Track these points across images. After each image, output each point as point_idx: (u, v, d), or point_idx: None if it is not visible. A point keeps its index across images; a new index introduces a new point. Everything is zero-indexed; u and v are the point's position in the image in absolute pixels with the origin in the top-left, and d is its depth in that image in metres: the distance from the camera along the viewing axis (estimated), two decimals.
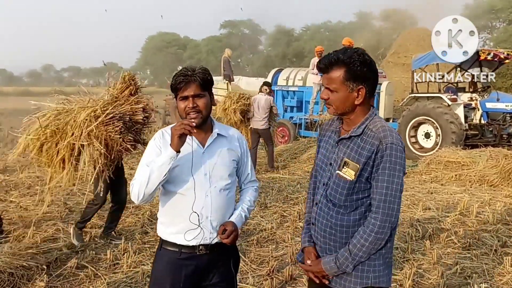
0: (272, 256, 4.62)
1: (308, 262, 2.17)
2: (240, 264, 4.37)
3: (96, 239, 5.16)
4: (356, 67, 2.00)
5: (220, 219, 2.28)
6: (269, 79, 14.74)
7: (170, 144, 2.14)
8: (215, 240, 2.26)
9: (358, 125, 2.07)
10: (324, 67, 2.06)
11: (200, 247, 2.24)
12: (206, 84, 2.25)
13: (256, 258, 4.63)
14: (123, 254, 4.63)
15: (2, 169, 9.15)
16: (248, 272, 4.27)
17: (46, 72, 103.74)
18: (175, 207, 2.27)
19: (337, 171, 2.07)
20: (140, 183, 2.17)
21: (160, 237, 2.34)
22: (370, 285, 2.04)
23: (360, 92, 2.04)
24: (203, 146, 2.28)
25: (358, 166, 2.00)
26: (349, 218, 2.07)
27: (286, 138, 12.61)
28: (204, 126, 2.28)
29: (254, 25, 58.15)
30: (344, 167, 2.05)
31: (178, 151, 2.13)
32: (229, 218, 2.32)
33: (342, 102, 2.05)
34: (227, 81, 15.10)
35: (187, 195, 2.22)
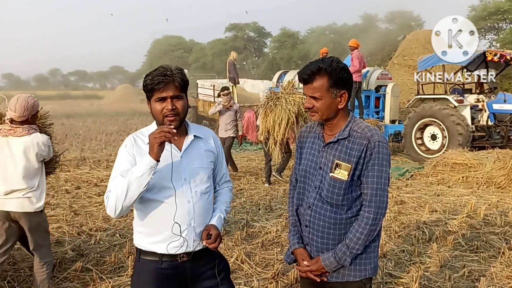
0: (277, 259, 4.59)
1: (305, 263, 2.24)
2: (245, 267, 4.36)
3: (101, 242, 5.16)
4: (338, 74, 2.12)
5: (202, 225, 2.20)
6: (274, 81, 14.75)
7: (149, 153, 1.99)
8: (199, 247, 2.18)
9: (343, 128, 2.19)
10: (307, 77, 2.14)
11: (182, 254, 2.15)
12: (184, 86, 2.14)
13: (261, 261, 4.61)
14: (128, 257, 4.62)
15: None
16: (253, 275, 4.24)
17: (53, 76, 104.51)
18: (156, 215, 2.13)
19: (331, 174, 2.16)
20: (117, 196, 2.01)
21: (137, 248, 2.21)
22: (368, 276, 2.21)
23: (343, 97, 2.17)
24: (180, 150, 2.17)
25: (350, 166, 2.12)
26: (347, 216, 2.18)
27: (292, 140, 12.57)
28: (180, 129, 2.15)
29: (259, 28, 58.10)
30: (337, 168, 2.15)
31: (158, 160, 2.00)
32: (209, 221, 2.24)
33: (327, 108, 2.16)
34: (232, 84, 15.15)
35: (168, 203, 2.11)
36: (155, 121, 2.20)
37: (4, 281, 4.10)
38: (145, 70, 79.98)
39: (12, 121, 3.52)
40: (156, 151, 1.98)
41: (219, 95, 8.87)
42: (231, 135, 8.99)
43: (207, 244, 2.15)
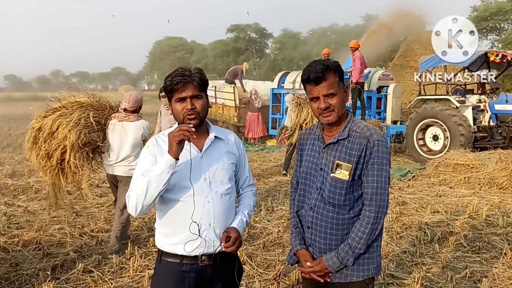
0: (278, 260, 4.59)
1: (308, 264, 2.24)
2: (247, 268, 4.36)
3: (102, 243, 5.16)
4: (340, 69, 2.20)
5: (223, 226, 2.19)
6: (275, 82, 14.74)
7: (169, 151, 2.01)
8: (219, 249, 2.16)
9: (342, 129, 2.20)
10: (320, 76, 2.12)
11: (203, 257, 2.14)
12: (204, 85, 2.18)
13: (263, 262, 4.60)
14: (129, 258, 4.62)
15: (11, 174, 9.21)
16: (254, 276, 4.24)
17: (55, 78, 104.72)
18: (176, 215, 2.15)
19: (332, 174, 2.17)
20: (138, 195, 2.04)
21: (159, 249, 2.23)
22: (370, 276, 2.21)
23: (346, 91, 2.23)
24: (201, 150, 2.18)
25: (351, 166, 2.13)
26: (349, 216, 2.19)
27: None
28: (200, 129, 2.18)
29: (261, 28, 58.11)
30: (337, 169, 2.16)
31: (177, 158, 2.02)
32: (230, 224, 2.23)
33: (342, 104, 2.19)
34: (233, 86, 15.23)
35: (188, 202, 2.12)
36: (177, 123, 2.23)
37: (7, 282, 4.12)
38: (147, 71, 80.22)
39: (125, 110, 4.87)
40: (175, 149, 2.01)
41: (159, 97, 7.49)
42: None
43: (224, 248, 2.15)
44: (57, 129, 4.68)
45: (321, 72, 2.11)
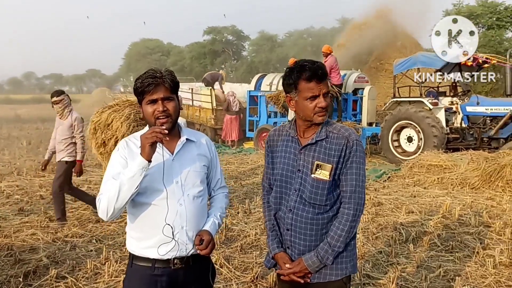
0: (256, 263, 4.58)
1: (287, 265, 2.23)
2: (224, 271, 4.34)
3: (76, 249, 5.06)
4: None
5: (195, 229, 2.17)
6: (252, 85, 14.75)
7: (141, 153, 2.00)
8: (191, 252, 2.15)
9: (319, 130, 2.21)
10: (325, 73, 2.16)
11: (175, 261, 2.12)
12: (175, 87, 2.16)
13: (240, 264, 4.59)
14: (105, 263, 4.54)
15: None
16: (232, 279, 4.23)
17: (27, 80, 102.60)
18: (148, 219, 2.12)
19: (313, 175, 2.17)
20: (109, 198, 2.00)
21: (131, 253, 2.19)
22: (348, 274, 2.24)
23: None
24: (172, 153, 2.17)
25: (331, 166, 2.15)
26: (328, 215, 2.21)
27: None
28: (172, 131, 2.15)
29: (238, 31, 58.15)
30: (318, 169, 2.17)
31: (149, 160, 2.00)
32: (202, 227, 2.22)
33: (331, 105, 2.16)
34: (210, 88, 15.21)
35: (160, 205, 2.10)
36: (147, 125, 2.21)
37: None
38: (122, 73, 79.21)
39: None
40: (148, 151, 1.99)
41: (52, 104, 6.06)
42: (64, 159, 6.06)
43: (198, 251, 2.13)
44: (111, 122, 5.76)
45: (324, 71, 2.14)
